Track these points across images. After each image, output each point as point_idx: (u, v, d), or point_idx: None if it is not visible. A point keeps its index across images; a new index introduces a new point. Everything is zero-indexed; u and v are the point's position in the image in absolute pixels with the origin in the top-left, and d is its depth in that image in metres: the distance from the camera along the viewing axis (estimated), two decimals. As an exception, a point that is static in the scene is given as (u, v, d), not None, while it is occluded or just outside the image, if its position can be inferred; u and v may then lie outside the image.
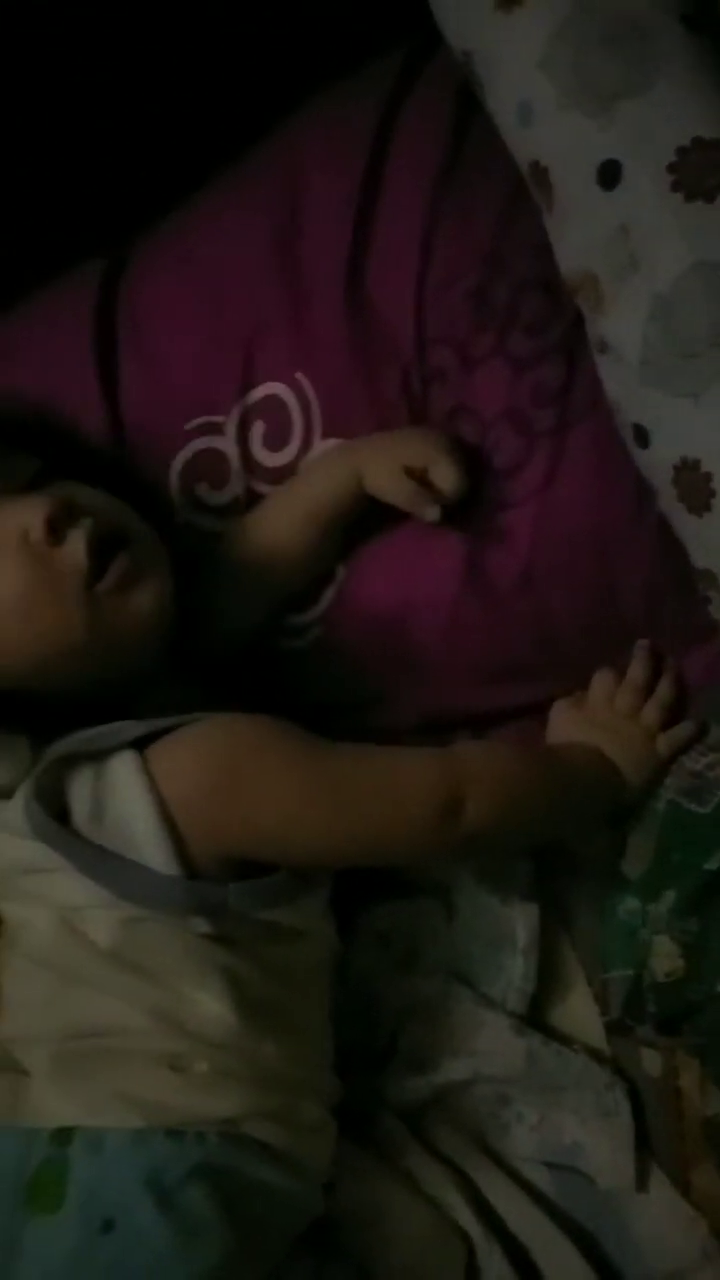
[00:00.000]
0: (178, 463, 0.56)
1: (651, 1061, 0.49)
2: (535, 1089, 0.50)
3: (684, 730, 0.52)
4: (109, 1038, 0.43)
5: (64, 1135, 0.41)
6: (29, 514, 0.44)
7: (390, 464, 0.51)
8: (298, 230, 0.56)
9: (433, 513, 0.51)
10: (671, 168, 0.44)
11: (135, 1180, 0.40)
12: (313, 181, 0.56)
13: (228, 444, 0.56)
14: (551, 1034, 0.51)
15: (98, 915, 0.43)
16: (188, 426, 0.56)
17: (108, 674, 0.47)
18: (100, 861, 0.43)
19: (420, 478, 0.51)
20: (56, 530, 0.44)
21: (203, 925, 0.44)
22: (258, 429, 0.55)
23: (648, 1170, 0.48)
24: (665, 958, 0.46)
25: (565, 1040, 0.51)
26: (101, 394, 0.56)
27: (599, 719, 0.51)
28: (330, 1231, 0.46)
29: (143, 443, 0.56)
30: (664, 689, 0.52)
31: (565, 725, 0.52)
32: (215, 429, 0.56)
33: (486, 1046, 0.51)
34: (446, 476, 0.51)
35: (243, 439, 0.55)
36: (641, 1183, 0.48)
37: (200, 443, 0.56)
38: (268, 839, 0.44)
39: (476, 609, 0.53)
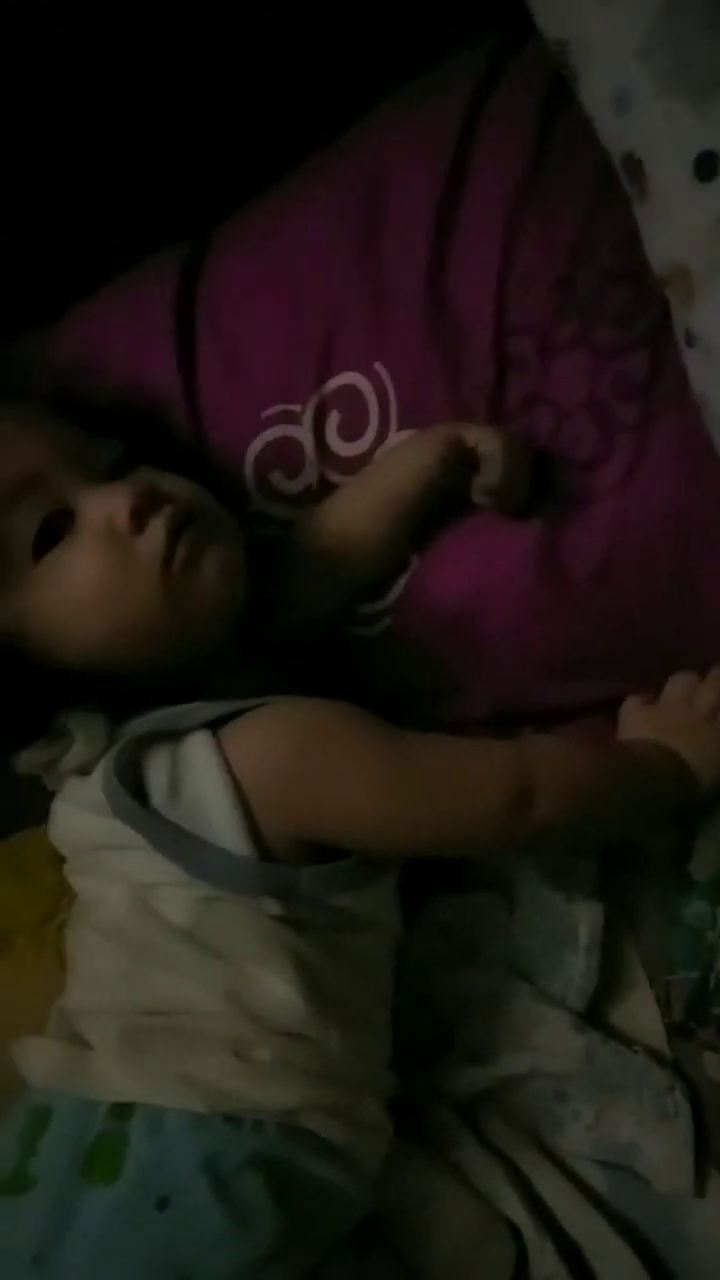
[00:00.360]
0: (253, 450, 0.56)
1: (714, 1065, 0.49)
2: (593, 1087, 0.50)
3: None
4: (177, 1016, 0.44)
5: (124, 1110, 0.42)
6: (114, 502, 0.45)
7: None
8: (380, 220, 0.56)
9: (488, 504, 0.51)
10: (774, 159, 0.43)
11: (193, 1162, 0.41)
12: (396, 172, 0.56)
13: (303, 433, 0.56)
14: (611, 1033, 0.51)
15: (172, 894, 0.44)
16: (264, 414, 0.56)
17: (182, 656, 0.48)
18: (177, 841, 0.44)
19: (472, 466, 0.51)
20: (140, 519, 0.45)
21: (274, 907, 0.44)
22: (334, 418, 0.56)
23: (707, 1175, 0.48)
24: None
25: (625, 1040, 0.51)
26: (181, 381, 0.57)
27: (674, 718, 0.51)
28: (372, 1224, 0.47)
29: (219, 430, 0.57)
30: None
31: (638, 723, 0.51)
32: (291, 417, 0.56)
33: (545, 1042, 0.51)
34: (491, 473, 0.51)
35: (318, 428, 0.56)
36: (700, 1188, 0.48)
37: (275, 431, 0.56)
38: (338, 824, 0.45)
39: (551, 602, 0.52)
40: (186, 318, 0.59)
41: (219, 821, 0.43)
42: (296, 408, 0.56)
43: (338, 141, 0.59)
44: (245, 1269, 0.41)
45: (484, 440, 0.51)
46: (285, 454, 0.56)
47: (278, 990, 0.44)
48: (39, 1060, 0.45)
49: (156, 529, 0.46)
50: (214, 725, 0.45)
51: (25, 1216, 0.41)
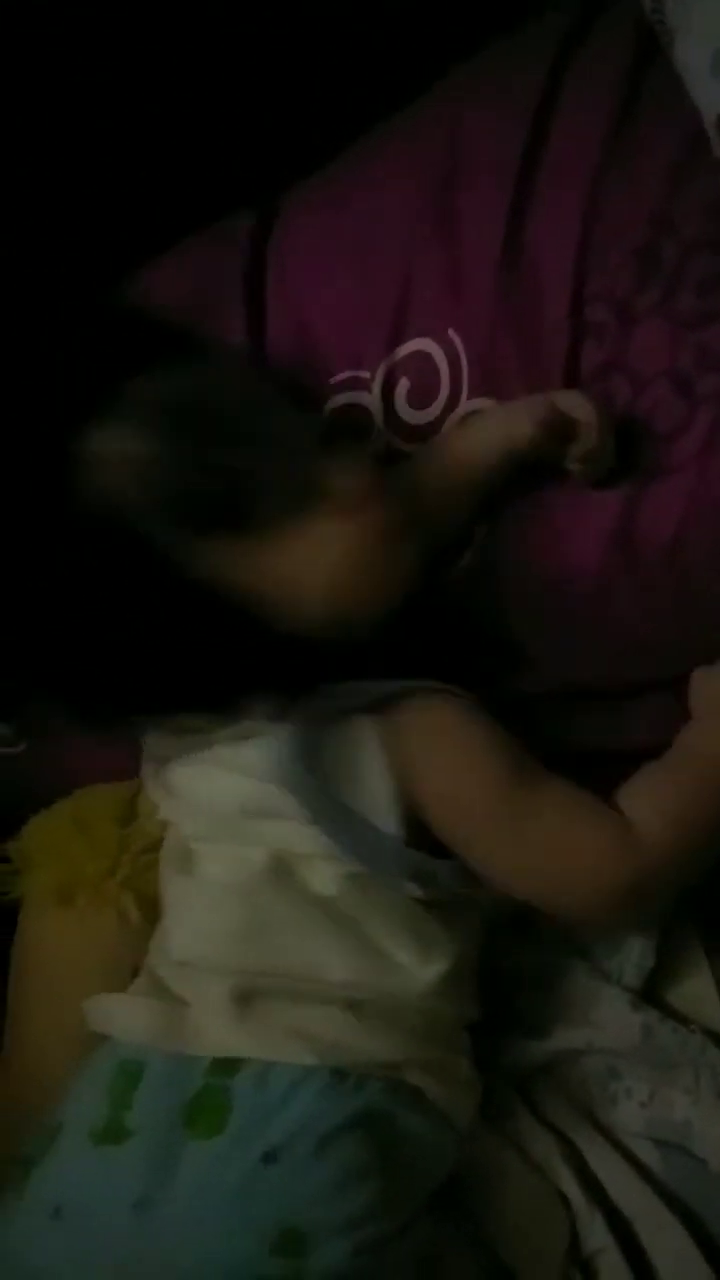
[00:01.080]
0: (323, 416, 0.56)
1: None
2: (647, 1065, 0.51)
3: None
4: (299, 982, 0.46)
5: (228, 1065, 0.44)
6: (361, 477, 0.47)
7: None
8: (456, 186, 0.55)
9: (581, 471, 0.51)
10: None
11: (298, 1117, 0.42)
12: (474, 137, 0.55)
13: (372, 400, 0.56)
14: (669, 1013, 0.51)
15: (321, 866, 0.46)
16: (333, 380, 0.56)
17: (389, 618, 0.48)
18: (337, 818, 0.45)
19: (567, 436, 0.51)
20: (378, 492, 0.47)
21: (415, 890, 0.46)
22: (403, 385, 0.56)
23: (763, 1156, 0.48)
24: None
25: (682, 1020, 0.51)
26: (249, 346, 0.57)
27: None
28: (447, 1188, 0.47)
29: (288, 395, 0.57)
30: None
31: (711, 695, 0.51)
32: (360, 384, 0.56)
33: (601, 1018, 0.51)
34: (589, 439, 0.50)
35: (387, 395, 0.56)
36: (755, 1170, 0.48)
37: (344, 397, 0.56)
38: (453, 838, 0.47)
39: (624, 577, 0.52)
40: (256, 282, 0.58)
41: (378, 804, 0.46)
42: (366, 374, 0.56)
43: (415, 104, 0.58)
44: (348, 1223, 0.42)
45: (579, 407, 0.50)
46: (354, 421, 0.56)
47: (406, 964, 0.46)
48: (130, 1018, 0.46)
49: (393, 504, 0.47)
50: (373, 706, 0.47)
51: (124, 1166, 0.42)
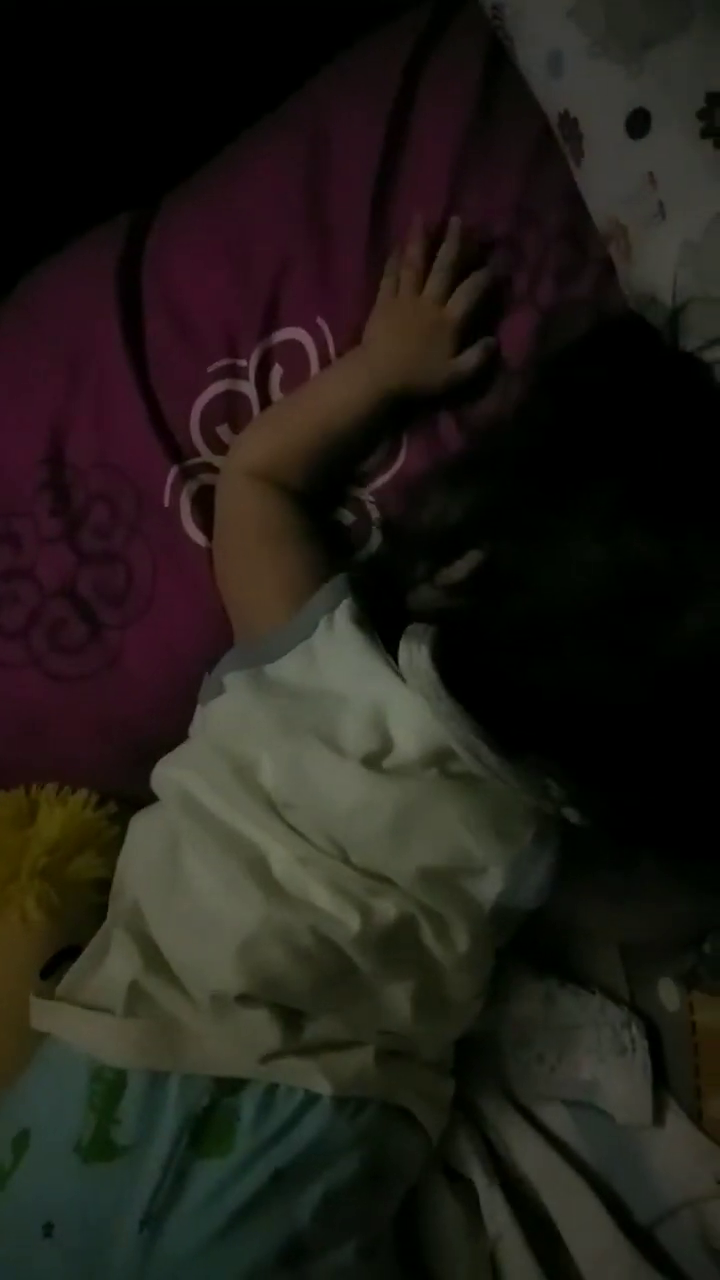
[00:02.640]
0: (199, 404, 0.57)
1: (669, 995, 0.51)
2: (554, 1029, 0.52)
3: (475, 281, 0.53)
4: (357, 1027, 0.46)
5: (233, 1085, 0.44)
6: None
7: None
8: (324, 178, 0.58)
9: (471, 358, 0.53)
10: (701, 114, 0.46)
11: (307, 1140, 0.43)
12: (339, 130, 0.58)
13: (248, 386, 0.57)
14: (571, 974, 0.53)
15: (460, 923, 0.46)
16: (210, 369, 0.58)
17: None
18: None
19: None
20: None
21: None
22: (277, 372, 0.57)
23: (664, 1105, 0.50)
24: None
25: (584, 980, 0.53)
26: (123, 339, 0.58)
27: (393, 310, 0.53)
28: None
29: (167, 384, 0.58)
30: (443, 254, 0.53)
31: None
32: (237, 372, 0.58)
33: (505, 990, 0.53)
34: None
35: (262, 382, 0.57)
36: (658, 1117, 0.50)
37: (221, 385, 0.58)
38: None
39: None
40: (131, 278, 0.60)
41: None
42: (242, 362, 0.57)
43: (285, 103, 0.61)
44: (348, 1231, 0.44)
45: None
46: (231, 408, 0.57)
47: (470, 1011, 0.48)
48: (115, 1040, 0.45)
49: None
50: None
51: (123, 1183, 0.42)
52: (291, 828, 0.45)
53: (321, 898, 0.44)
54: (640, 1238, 0.48)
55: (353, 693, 0.46)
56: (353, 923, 0.44)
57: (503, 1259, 0.48)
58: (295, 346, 0.57)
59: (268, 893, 0.44)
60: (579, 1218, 0.49)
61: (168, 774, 0.49)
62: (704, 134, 0.46)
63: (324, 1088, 0.44)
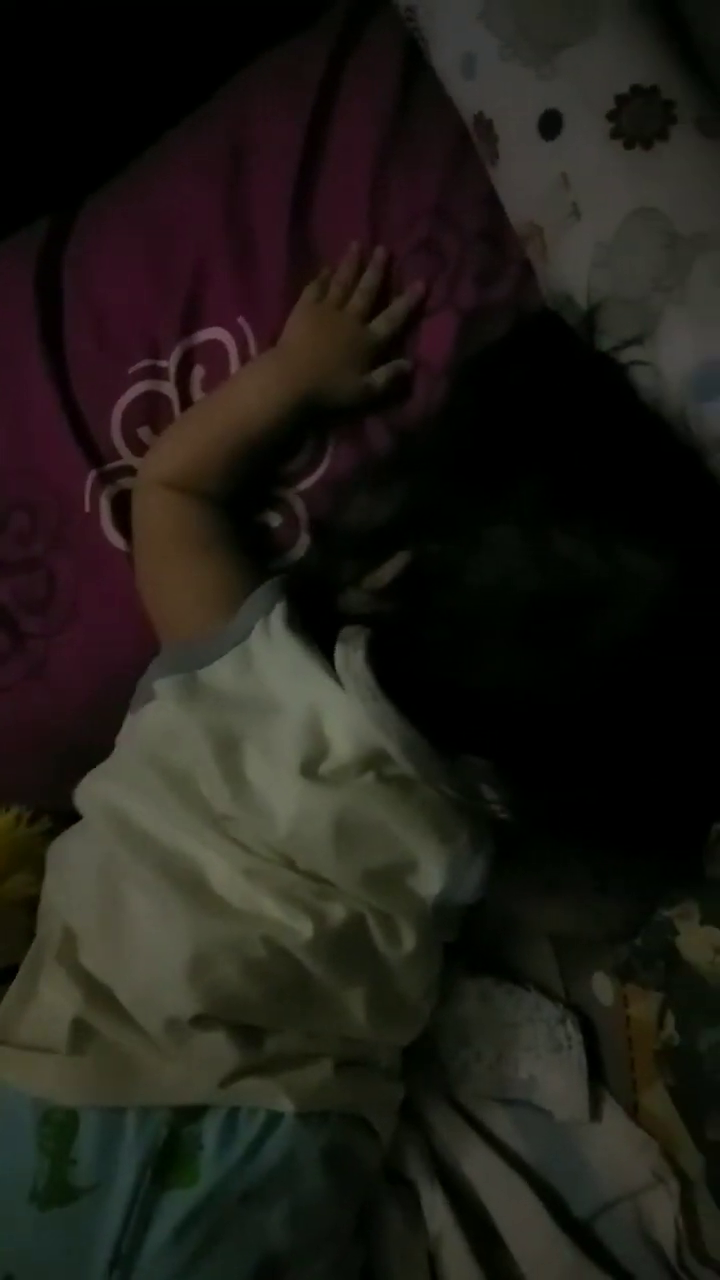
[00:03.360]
0: (120, 405, 0.57)
1: (603, 989, 0.52)
2: (491, 1028, 0.53)
3: (400, 307, 0.54)
4: (315, 1038, 0.45)
5: (192, 1112, 0.43)
6: None
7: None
8: (244, 179, 0.58)
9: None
10: (610, 115, 0.47)
11: (273, 1160, 0.43)
12: (260, 131, 0.58)
13: (169, 387, 0.57)
14: (506, 971, 0.54)
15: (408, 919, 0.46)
16: (130, 370, 0.57)
17: None
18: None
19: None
20: None
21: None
22: (198, 373, 0.57)
23: (601, 1099, 0.51)
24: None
25: (519, 977, 0.53)
26: (41, 342, 0.57)
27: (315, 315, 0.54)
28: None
29: (88, 386, 0.58)
30: (367, 278, 0.55)
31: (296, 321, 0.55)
32: (157, 373, 0.57)
33: (442, 991, 0.53)
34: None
35: (183, 382, 0.57)
36: (595, 1112, 0.51)
37: (142, 386, 0.57)
38: None
39: None
40: (51, 278, 0.59)
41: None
42: (163, 363, 0.57)
43: (205, 104, 0.60)
44: (318, 1244, 0.44)
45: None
46: (153, 409, 0.57)
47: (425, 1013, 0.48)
48: (64, 1080, 0.43)
49: None
50: None
51: (86, 1226, 0.41)
52: (234, 840, 0.45)
53: (270, 907, 0.44)
54: (579, 1232, 0.49)
55: (289, 697, 0.46)
56: (305, 929, 0.43)
57: (444, 1260, 0.49)
58: (217, 346, 0.57)
59: (212, 910, 0.44)
60: (517, 1217, 0.49)
61: (95, 789, 0.48)
62: (613, 135, 0.47)
63: (286, 1106, 0.43)
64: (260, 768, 0.44)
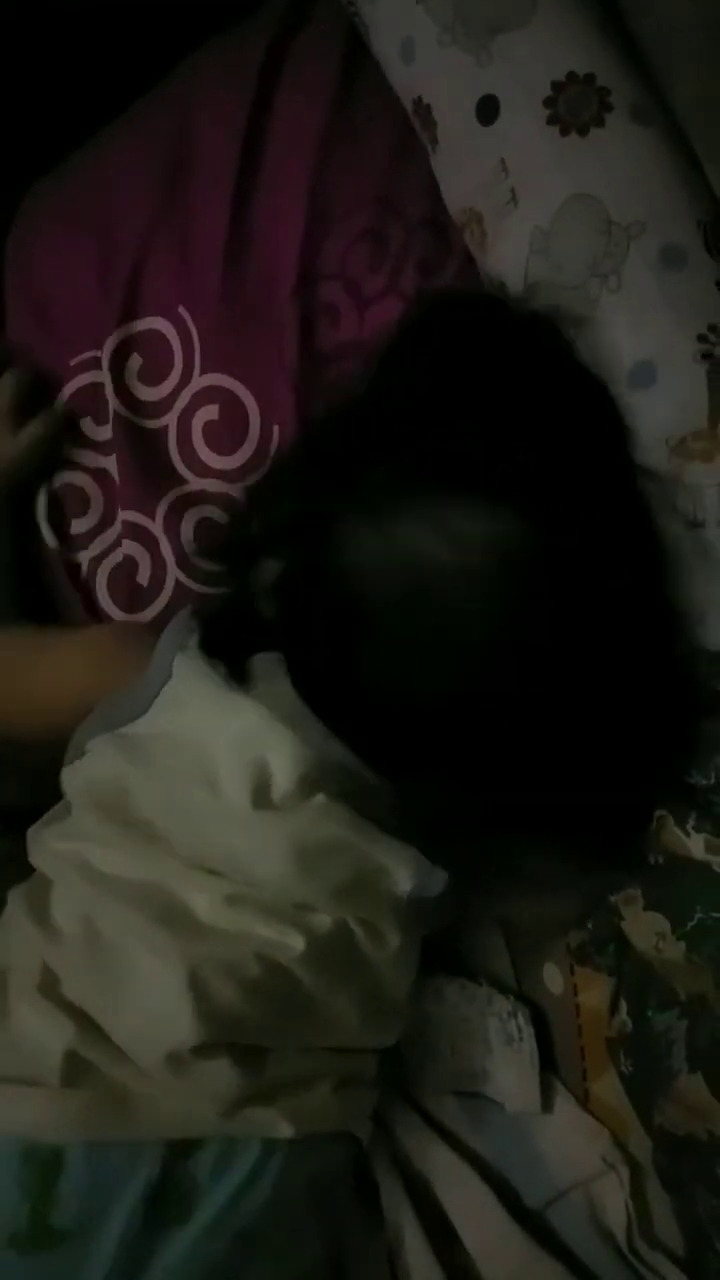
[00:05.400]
0: (62, 398, 0.58)
1: (553, 979, 0.53)
2: (444, 1023, 0.54)
3: (44, 419, 0.56)
4: (310, 1050, 0.45)
5: (184, 1146, 0.42)
6: None
7: None
8: (185, 167, 0.59)
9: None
10: (547, 102, 0.49)
11: (268, 1194, 0.42)
12: (202, 119, 0.59)
13: (103, 375, 0.58)
14: (458, 965, 0.55)
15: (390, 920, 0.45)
16: (73, 362, 0.58)
17: None
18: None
19: None
20: None
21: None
22: (134, 362, 0.58)
23: (552, 1089, 0.52)
24: None
25: (471, 971, 0.55)
26: None
27: None
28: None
29: (34, 381, 0.58)
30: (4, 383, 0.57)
31: None
32: (97, 364, 0.57)
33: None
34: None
35: (117, 370, 0.58)
36: (547, 1103, 0.52)
37: (84, 378, 0.58)
38: None
39: None
40: None
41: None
42: (100, 354, 0.57)
43: (146, 95, 0.61)
44: (310, 1271, 0.45)
45: None
46: (92, 400, 0.57)
47: (348, 1010, 0.46)
48: (54, 1114, 0.42)
49: None
50: None
51: (73, 1270, 0.40)
52: (208, 871, 0.44)
53: (258, 926, 0.44)
54: (531, 1221, 0.50)
55: (221, 732, 0.44)
56: (297, 943, 0.43)
57: (403, 1256, 0.49)
58: (156, 336, 0.57)
59: (200, 937, 0.43)
60: (470, 1209, 0.50)
61: (58, 849, 0.46)
62: (550, 120, 0.49)
63: (286, 1131, 0.43)
64: (211, 808, 0.44)
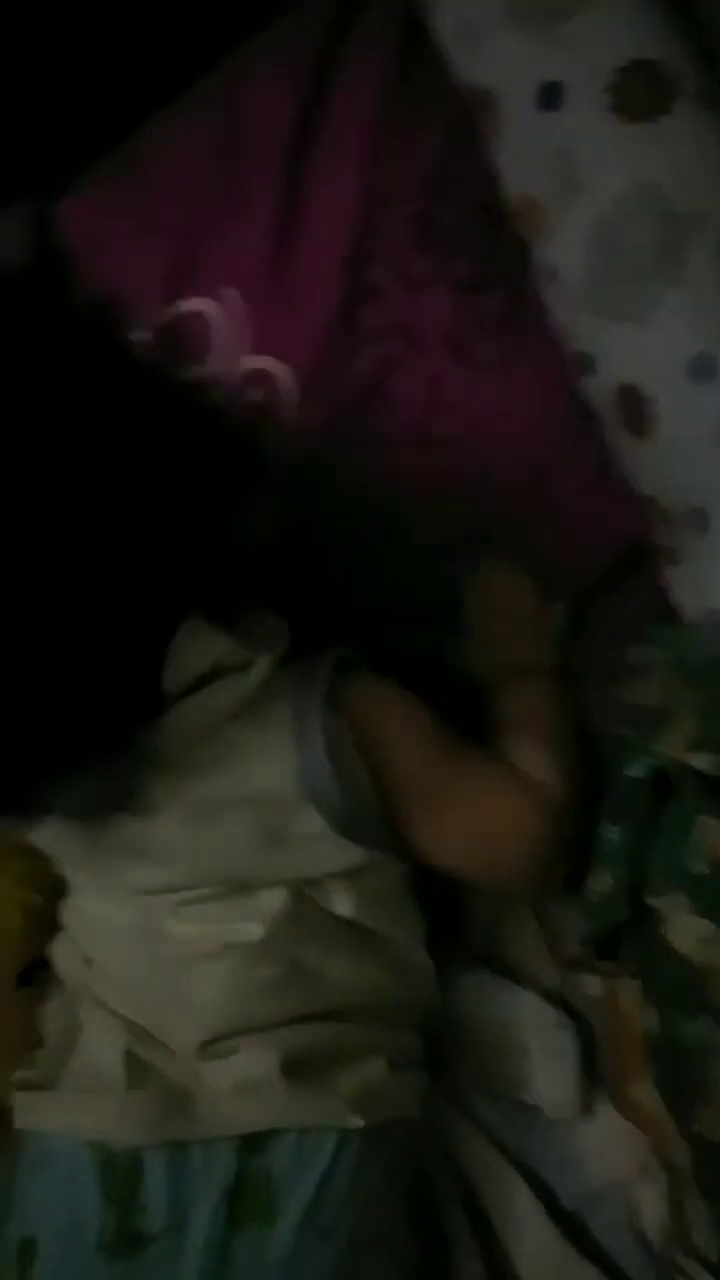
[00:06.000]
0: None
1: (592, 981, 0.53)
2: (487, 1023, 0.53)
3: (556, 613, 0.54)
4: (344, 1026, 0.46)
5: (256, 1142, 0.43)
6: None
7: None
8: (236, 150, 0.59)
9: None
10: (611, 89, 0.48)
11: (346, 1188, 0.43)
12: (254, 104, 0.59)
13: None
14: (500, 964, 0.54)
15: (337, 884, 0.46)
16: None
17: None
18: (354, 817, 0.45)
19: None
20: None
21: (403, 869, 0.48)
22: (180, 344, 0.57)
23: (591, 1093, 0.52)
24: (597, 876, 0.48)
25: (517, 977, 0.54)
26: None
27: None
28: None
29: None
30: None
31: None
32: (145, 346, 0.57)
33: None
34: None
35: (164, 354, 0.57)
36: (585, 1107, 0.51)
37: (132, 359, 0.57)
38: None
39: None
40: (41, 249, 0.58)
41: (365, 790, 0.45)
42: (146, 335, 0.57)
43: (201, 81, 0.61)
44: (393, 1261, 0.45)
45: None
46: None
47: (420, 963, 0.49)
48: (124, 1118, 0.43)
49: None
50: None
51: (163, 1273, 0.41)
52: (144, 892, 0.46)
53: (218, 922, 0.45)
54: (566, 1223, 0.49)
55: None
56: (255, 930, 0.44)
57: (453, 1248, 0.49)
58: (201, 316, 0.57)
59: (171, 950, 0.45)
60: (509, 1206, 0.50)
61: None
62: (614, 108, 0.48)
63: (355, 1121, 0.44)
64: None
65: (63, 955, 0.49)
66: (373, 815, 0.46)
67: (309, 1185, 0.43)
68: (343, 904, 0.46)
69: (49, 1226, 0.43)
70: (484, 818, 0.48)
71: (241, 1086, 0.44)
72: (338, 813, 0.44)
